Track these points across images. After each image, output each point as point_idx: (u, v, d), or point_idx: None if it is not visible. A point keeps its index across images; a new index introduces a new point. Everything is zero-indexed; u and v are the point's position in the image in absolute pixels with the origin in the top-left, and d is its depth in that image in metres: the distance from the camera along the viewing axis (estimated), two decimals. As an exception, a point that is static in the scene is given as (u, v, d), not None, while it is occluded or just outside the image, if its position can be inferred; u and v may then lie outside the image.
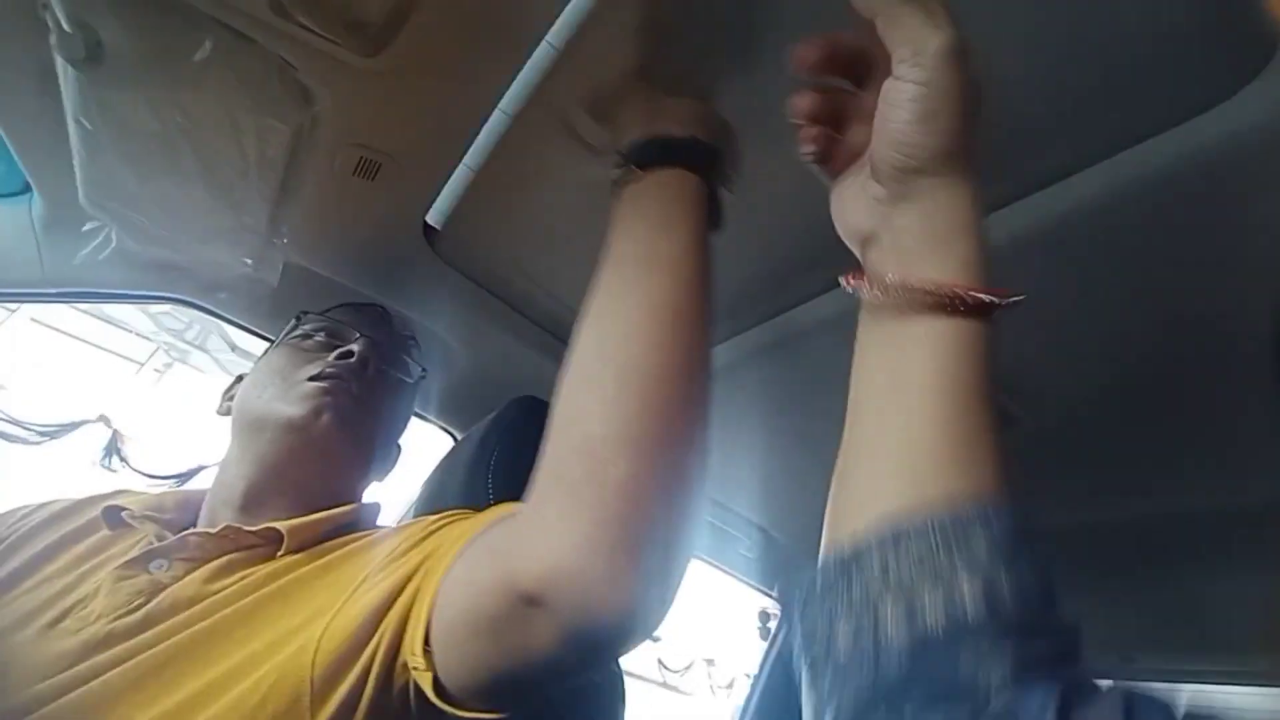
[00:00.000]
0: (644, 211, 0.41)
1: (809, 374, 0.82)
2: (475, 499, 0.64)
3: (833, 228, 0.37)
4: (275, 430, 0.56)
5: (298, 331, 0.67)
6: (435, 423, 0.96)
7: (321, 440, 0.56)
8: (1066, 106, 0.51)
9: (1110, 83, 0.49)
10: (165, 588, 0.47)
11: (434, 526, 0.49)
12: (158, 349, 4.22)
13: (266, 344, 0.87)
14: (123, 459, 4.11)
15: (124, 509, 0.55)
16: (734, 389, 0.88)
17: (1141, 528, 0.91)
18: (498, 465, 0.66)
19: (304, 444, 0.56)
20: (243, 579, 0.48)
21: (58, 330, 4.38)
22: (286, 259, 0.75)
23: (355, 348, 0.61)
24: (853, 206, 0.34)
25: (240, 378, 0.68)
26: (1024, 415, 0.75)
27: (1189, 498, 0.84)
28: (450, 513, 0.52)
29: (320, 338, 0.65)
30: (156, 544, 0.51)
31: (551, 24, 0.49)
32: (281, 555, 0.50)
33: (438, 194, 0.70)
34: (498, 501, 0.63)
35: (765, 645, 1.37)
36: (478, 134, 0.61)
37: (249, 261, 0.74)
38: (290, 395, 0.58)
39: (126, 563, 0.49)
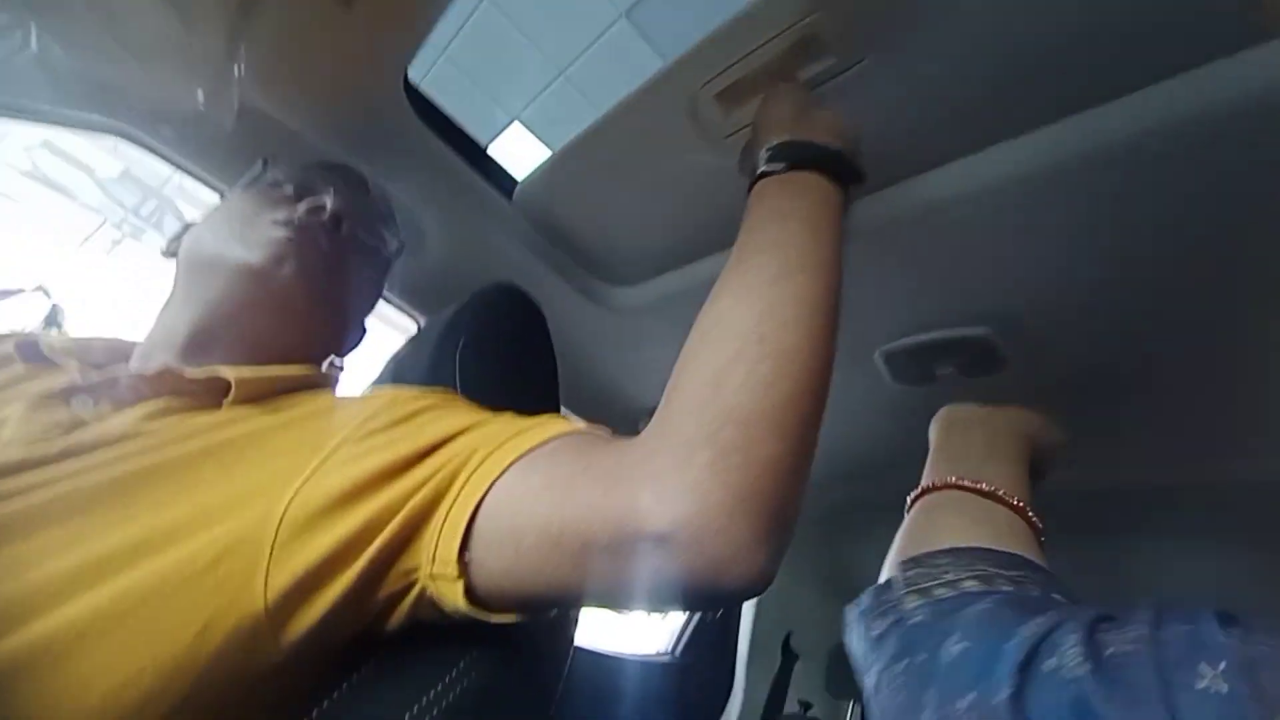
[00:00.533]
0: (797, 209, 0.43)
1: None
2: (439, 383, 0.59)
3: None
4: (230, 274, 0.51)
5: (264, 179, 0.60)
6: (397, 304, 0.90)
7: (280, 292, 0.51)
8: (1084, 37, 0.47)
9: (1133, 18, 0.44)
10: (86, 425, 0.42)
11: (427, 402, 0.45)
12: (104, 222, 3.95)
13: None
14: (62, 332, 3.90)
15: (39, 343, 0.49)
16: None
17: (1111, 495, 0.92)
18: (466, 352, 0.61)
19: (260, 293, 0.51)
20: (183, 423, 0.43)
21: (-6, 191, 4.06)
22: (244, 99, 0.66)
23: (329, 202, 0.55)
24: None
25: (189, 225, 0.60)
26: (1014, 359, 0.73)
27: (1165, 467, 0.84)
28: (437, 390, 0.48)
29: (288, 189, 0.58)
30: (80, 380, 0.45)
31: None
32: (227, 406, 0.45)
33: (424, 37, 0.62)
34: (464, 390, 0.59)
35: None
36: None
37: (200, 94, 0.65)
38: (251, 239, 0.52)
39: (43, 395, 0.43)
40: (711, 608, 1.25)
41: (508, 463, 0.37)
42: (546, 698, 0.48)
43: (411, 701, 0.36)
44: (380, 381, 0.75)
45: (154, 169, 3.89)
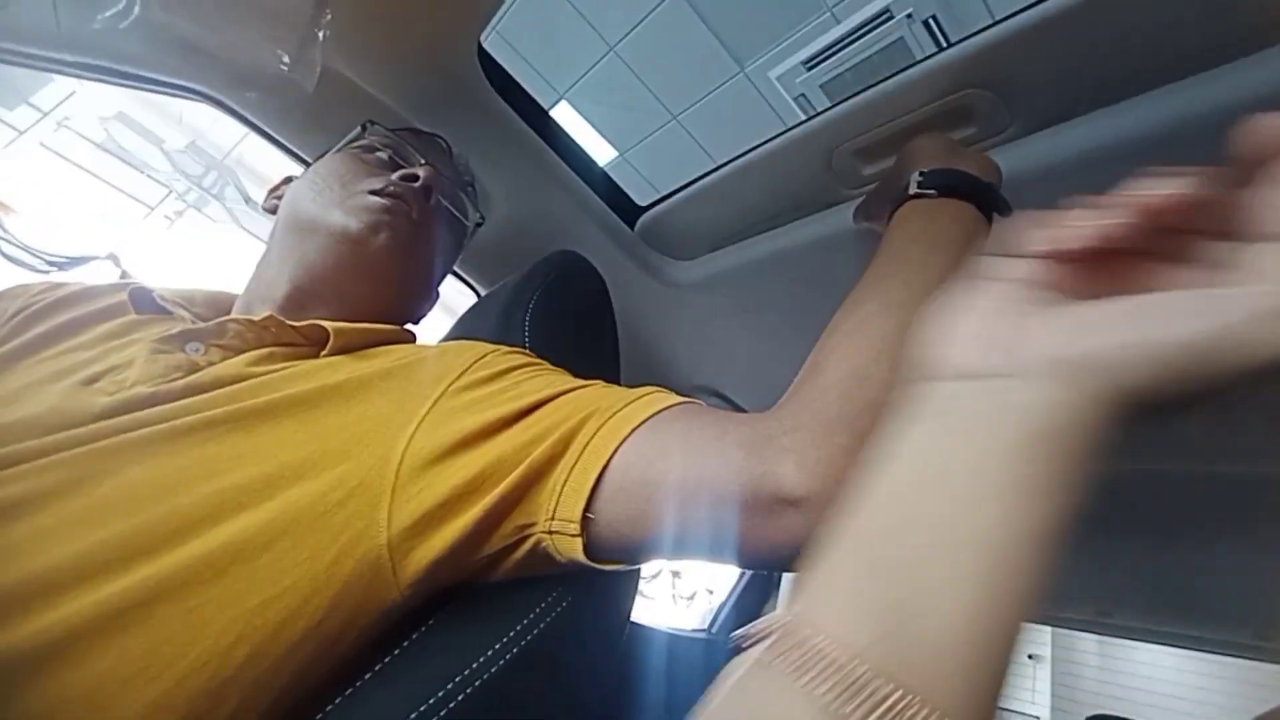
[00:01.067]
0: (946, 235, 0.45)
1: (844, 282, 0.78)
2: (510, 342, 0.61)
3: None
4: (328, 238, 0.53)
5: (361, 142, 0.63)
6: (463, 278, 0.91)
7: (373, 257, 0.54)
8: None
9: None
10: (201, 368, 0.44)
11: (519, 360, 0.47)
12: (169, 194, 4.11)
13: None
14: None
15: (154, 292, 0.53)
16: (775, 286, 0.83)
17: (1135, 486, 0.88)
18: (535, 312, 0.62)
19: (355, 257, 0.54)
20: (288, 368, 0.45)
21: (68, 160, 4.26)
22: (325, 62, 0.68)
23: (421, 173, 0.57)
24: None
25: (289, 178, 0.63)
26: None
27: (1185, 461, 0.81)
28: (519, 350, 0.50)
29: (384, 154, 0.61)
30: (193, 327, 0.47)
31: None
32: (325, 355, 0.48)
33: (499, 4, 0.63)
34: (533, 347, 0.61)
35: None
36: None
37: (285, 58, 0.66)
38: (349, 204, 0.54)
39: (161, 339, 0.46)
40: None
41: (633, 426, 0.38)
42: (615, 638, 0.50)
43: (495, 639, 0.37)
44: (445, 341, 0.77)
45: (217, 142, 4.03)
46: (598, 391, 0.42)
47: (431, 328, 0.75)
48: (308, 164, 0.72)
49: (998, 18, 0.53)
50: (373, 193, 0.55)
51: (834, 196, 0.71)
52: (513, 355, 0.48)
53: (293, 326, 0.48)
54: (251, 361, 0.45)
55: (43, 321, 0.50)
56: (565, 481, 0.37)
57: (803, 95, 2.86)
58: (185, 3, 0.61)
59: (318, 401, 0.42)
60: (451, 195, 0.64)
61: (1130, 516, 0.96)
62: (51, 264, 3.67)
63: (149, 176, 4.01)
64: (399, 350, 0.49)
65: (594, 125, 3.41)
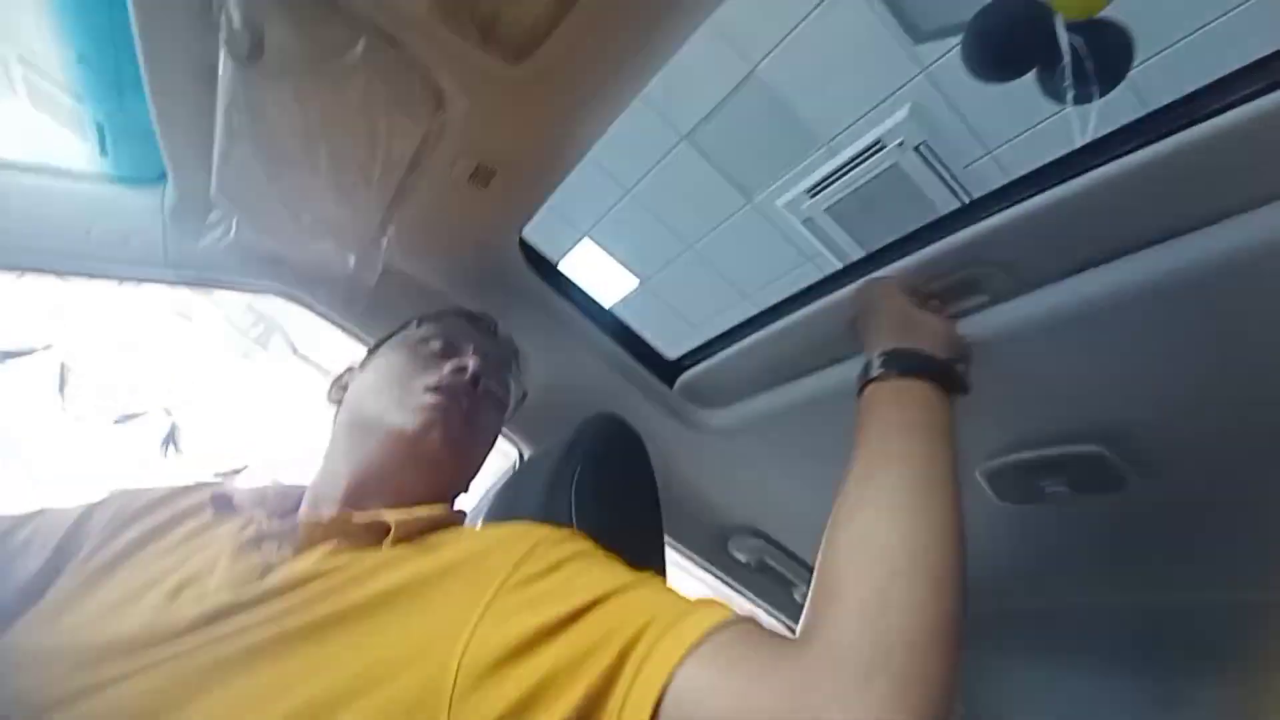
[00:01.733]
0: (917, 422, 0.48)
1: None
2: (557, 516, 0.63)
3: None
4: (386, 437, 0.57)
5: (416, 334, 0.67)
6: (507, 437, 0.96)
7: (429, 451, 0.57)
8: (1190, 163, 0.49)
9: (1243, 142, 0.47)
10: (275, 568, 0.48)
11: (568, 551, 0.48)
12: (223, 344, 4.40)
13: (338, 347, 0.89)
14: (179, 450, 4.27)
15: (231, 497, 0.57)
16: (808, 431, 0.86)
17: (1251, 613, 0.84)
18: (581, 483, 0.65)
19: (413, 453, 0.57)
20: (354, 566, 0.48)
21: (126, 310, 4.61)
22: (387, 261, 0.77)
23: (470, 364, 0.62)
24: None
25: (350, 367, 0.69)
26: (1134, 478, 0.70)
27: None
28: (569, 534, 0.51)
29: (436, 345, 0.66)
30: (267, 527, 0.52)
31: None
32: (387, 545, 0.50)
33: (540, 206, 0.72)
34: (579, 520, 0.63)
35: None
36: (588, 148, 0.63)
37: (352, 259, 0.76)
38: (406, 404, 0.58)
39: (242, 543, 0.50)
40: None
41: (683, 652, 0.38)
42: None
43: None
44: (495, 509, 0.79)
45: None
46: (652, 594, 0.43)
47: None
48: (367, 344, 0.79)
49: (1006, 199, 0.58)
50: (427, 388, 0.59)
51: (860, 348, 0.75)
52: (563, 545, 0.49)
53: (357, 522, 0.51)
54: (321, 558, 0.49)
55: (131, 527, 0.54)
56: (622, 709, 0.37)
57: (810, 219, 3.03)
58: (271, 224, 0.72)
59: (380, 607, 0.44)
60: (498, 376, 0.68)
61: (1233, 652, 0.90)
62: (108, 421, 3.89)
63: (202, 329, 4.32)
64: (456, 541, 0.51)
65: (616, 258, 3.63)
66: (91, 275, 0.75)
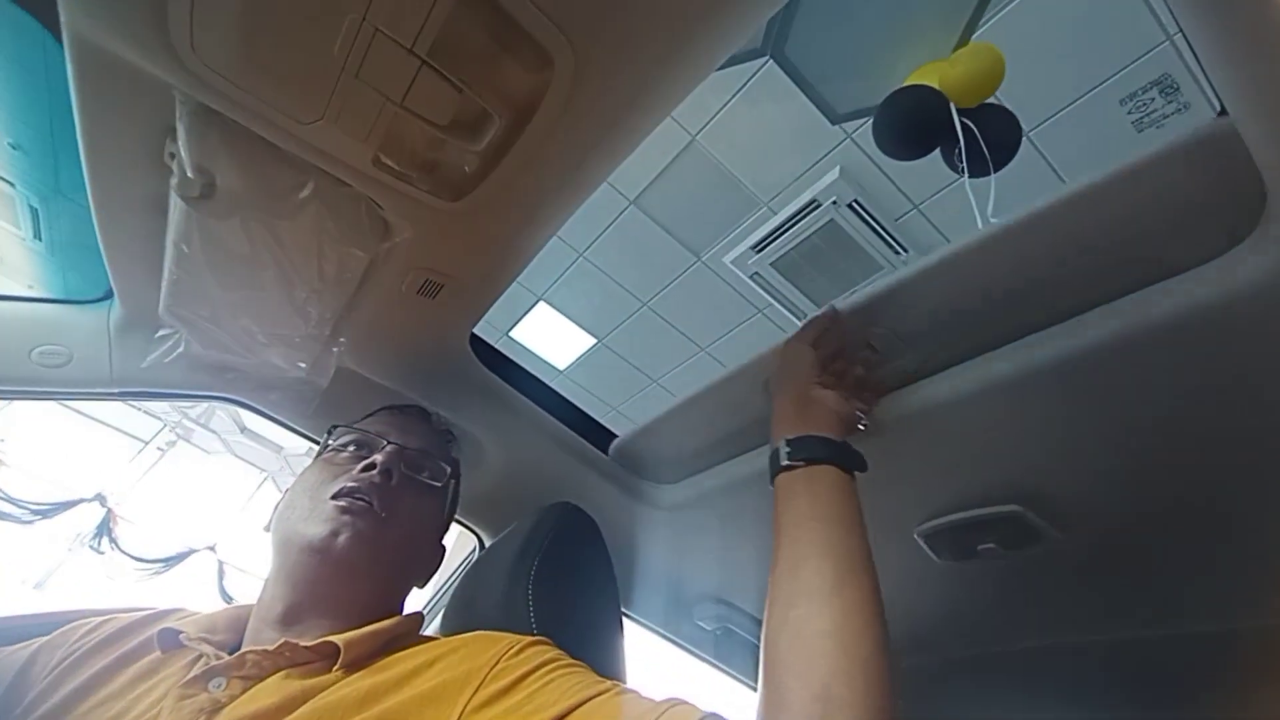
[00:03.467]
0: (830, 510, 0.52)
1: None
2: (514, 608, 0.64)
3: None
4: (300, 551, 0.57)
5: (331, 444, 0.68)
6: (464, 524, 0.96)
7: (343, 559, 0.57)
8: (1080, 251, 0.57)
9: (1124, 233, 0.54)
10: (224, 706, 0.47)
11: (532, 663, 0.49)
12: (163, 427, 4.22)
13: (282, 430, 0.89)
14: (113, 540, 4.01)
15: (180, 631, 0.56)
16: (760, 501, 0.89)
17: (1173, 646, 0.89)
18: (538, 576, 0.66)
19: (326, 564, 0.57)
20: (309, 701, 0.47)
21: (62, 403, 4.39)
22: (339, 364, 0.79)
23: (378, 459, 0.62)
24: None
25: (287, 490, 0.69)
26: (1050, 532, 0.76)
27: (1211, 619, 0.84)
28: (533, 643, 0.52)
29: (350, 450, 0.66)
30: (214, 662, 0.51)
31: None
32: (336, 670, 0.50)
33: (488, 308, 0.75)
34: (537, 610, 0.64)
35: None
36: (532, 259, 0.67)
37: (304, 366, 0.77)
38: (314, 515, 0.59)
39: (187, 682, 0.49)
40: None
41: None
42: None
43: None
44: (456, 600, 0.79)
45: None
46: (619, 704, 0.45)
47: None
48: (318, 443, 0.80)
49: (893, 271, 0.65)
50: (334, 496, 0.59)
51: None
52: (525, 657, 0.50)
53: (305, 647, 0.51)
54: (272, 690, 0.48)
55: (80, 672, 0.53)
56: None
57: (757, 274, 3.16)
58: (220, 340, 0.73)
59: None
60: (419, 463, 0.67)
61: (1166, 680, 0.96)
62: (37, 513, 3.65)
63: (145, 412, 4.14)
64: (413, 659, 0.51)
65: (571, 318, 3.69)
66: (32, 398, 0.74)
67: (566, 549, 0.71)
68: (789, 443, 0.56)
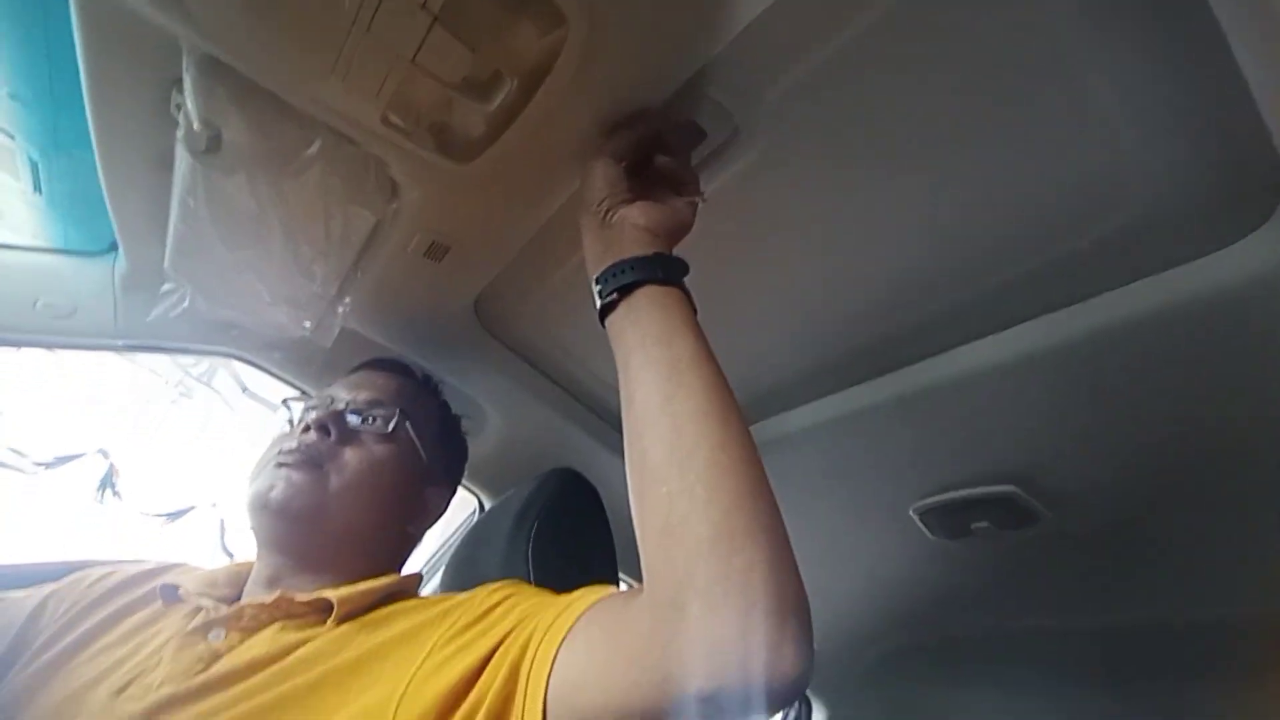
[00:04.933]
0: (649, 332, 0.45)
1: (820, 470, 0.86)
2: (513, 571, 0.65)
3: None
4: (252, 512, 0.58)
5: (288, 418, 0.68)
6: (468, 488, 0.98)
7: (284, 511, 0.57)
8: (1090, 236, 0.56)
9: (1133, 218, 0.54)
10: (222, 656, 0.48)
11: (498, 597, 0.50)
12: (165, 383, 4.24)
13: (284, 390, 0.89)
14: (116, 494, 4.06)
15: (179, 587, 0.57)
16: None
17: (1160, 631, 0.92)
18: (537, 538, 0.68)
19: (279, 520, 0.57)
20: (299, 649, 0.49)
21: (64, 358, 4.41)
22: (343, 325, 0.79)
23: (311, 418, 0.62)
24: None
25: None
26: (1044, 513, 0.77)
27: (1209, 602, 0.85)
28: (506, 583, 0.53)
29: (303, 416, 0.66)
30: (214, 614, 0.52)
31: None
32: (332, 623, 0.51)
33: (494, 274, 0.75)
34: (537, 573, 0.65)
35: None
36: (543, 225, 0.67)
37: (308, 325, 0.77)
38: (260, 476, 0.59)
39: (188, 632, 0.50)
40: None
41: (555, 648, 0.40)
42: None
43: None
44: (456, 561, 0.81)
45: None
46: (547, 604, 0.45)
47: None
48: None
49: None
50: (277, 457, 0.59)
51: (813, 392, 0.79)
52: (496, 592, 0.51)
53: (301, 601, 0.52)
54: (269, 641, 0.49)
55: (86, 619, 0.54)
56: (515, 702, 0.40)
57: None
58: (226, 296, 0.73)
59: (326, 686, 0.45)
60: (363, 414, 0.65)
61: (1150, 664, 0.98)
62: (40, 464, 3.68)
63: (149, 370, 4.15)
64: (404, 615, 0.52)
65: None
66: (37, 346, 0.75)
67: (567, 513, 0.72)
68: (597, 280, 0.49)
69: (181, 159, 0.58)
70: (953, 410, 0.72)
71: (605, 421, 0.94)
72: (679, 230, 0.52)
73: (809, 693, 1.29)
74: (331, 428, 0.62)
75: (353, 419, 0.64)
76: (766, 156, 0.57)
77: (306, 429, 0.61)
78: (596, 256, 0.51)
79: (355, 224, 0.62)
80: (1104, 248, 0.56)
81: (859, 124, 0.53)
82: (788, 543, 0.38)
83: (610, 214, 0.51)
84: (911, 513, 0.83)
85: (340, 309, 0.76)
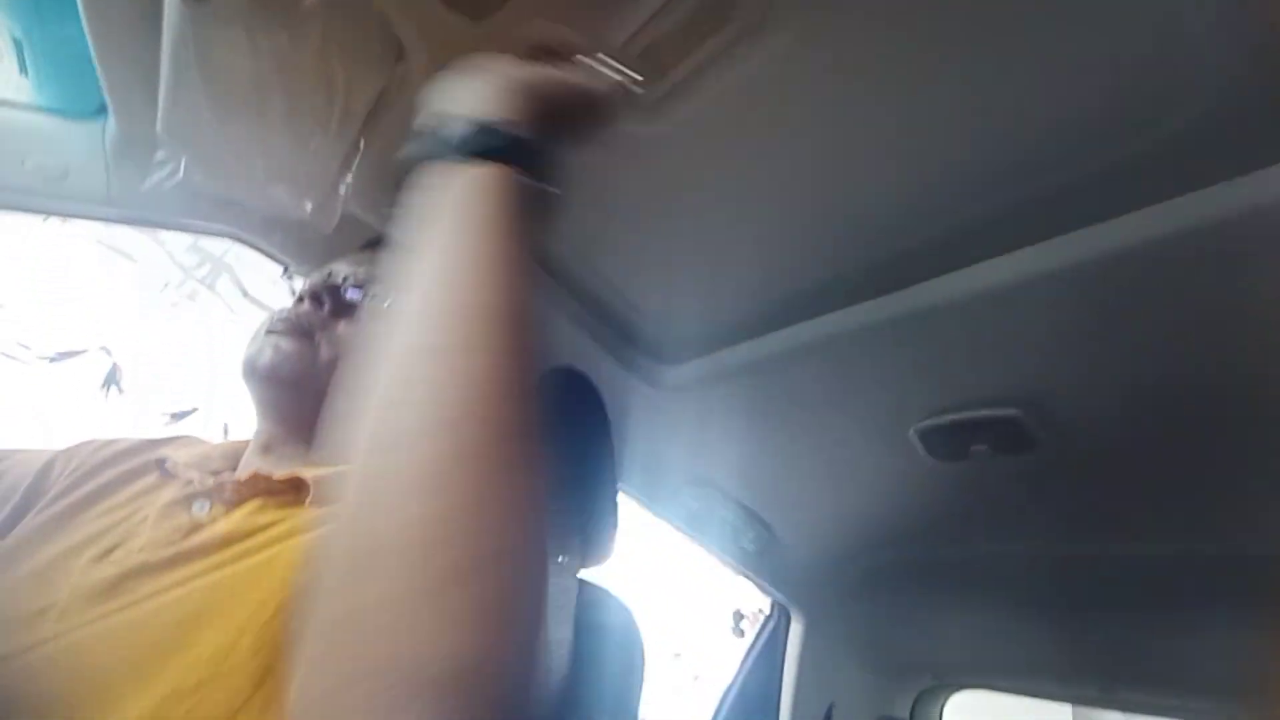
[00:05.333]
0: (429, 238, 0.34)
1: (822, 386, 0.85)
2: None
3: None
4: (245, 378, 0.59)
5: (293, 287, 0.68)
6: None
7: (271, 375, 0.57)
8: (1130, 148, 0.53)
9: (1175, 131, 0.50)
10: (203, 528, 0.49)
11: None
12: (165, 285, 4.21)
13: (285, 296, 0.88)
14: (120, 390, 4.12)
15: (169, 460, 0.57)
16: (760, 389, 0.90)
17: (1139, 564, 0.94)
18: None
19: (267, 384, 0.58)
20: (271, 528, 0.48)
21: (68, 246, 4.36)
22: (345, 207, 0.76)
23: (304, 288, 0.62)
24: None
25: None
26: (1044, 440, 0.77)
27: (1191, 539, 0.87)
28: None
29: (294, 287, 0.67)
30: (198, 487, 0.52)
31: None
32: (308, 504, 0.50)
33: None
34: None
35: (745, 644, 1.41)
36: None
37: (309, 206, 0.75)
38: (253, 343, 0.60)
39: (171, 503, 0.51)
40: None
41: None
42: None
43: None
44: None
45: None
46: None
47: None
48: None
49: None
50: (268, 326, 0.60)
51: (820, 307, 0.77)
52: None
53: (277, 480, 0.52)
54: (245, 517, 0.49)
55: (90, 480, 0.55)
56: None
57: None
58: (221, 168, 0.70)
59: (286, 565, 0.44)
60: (360, 286, 0.63)
61: (1127, 597, 1.01)
62: (43, 359, 3.71)
63: (144, 268, 4.11)
64: None
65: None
66: (27, 209, 0.72)
67: (566, 412, 0.72)
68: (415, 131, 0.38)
69: (171, 8, 0.54)
70: (963, 330, 0.70)
71: (609, 327, 0.92)
72: (589, 104, 0.42)
73: (788, 604, 1.34)
74: (326, 299, 0.62)
75: (353, 294, 0.63)
76: (801, 40, 0.53)
77: (300, 300, 0.62)
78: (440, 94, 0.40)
79: (359, 92, 0.59)
80: (1139, 162, 0.53)
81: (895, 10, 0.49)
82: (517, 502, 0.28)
83: (500, 66, 0.41)
84: (912, 433, 0.83)
85: (342, 190, 0.73)
